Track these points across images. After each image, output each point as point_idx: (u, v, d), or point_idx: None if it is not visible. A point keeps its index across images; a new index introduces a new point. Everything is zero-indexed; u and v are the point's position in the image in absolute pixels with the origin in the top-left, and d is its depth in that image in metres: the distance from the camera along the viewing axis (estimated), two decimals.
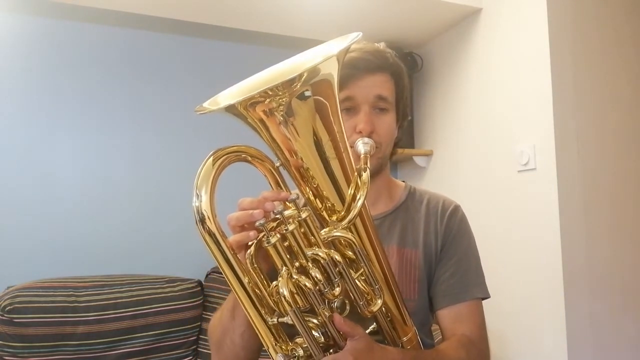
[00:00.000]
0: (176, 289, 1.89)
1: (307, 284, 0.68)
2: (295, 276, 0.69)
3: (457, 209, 1.06)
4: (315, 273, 0.69)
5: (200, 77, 2.23)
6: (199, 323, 1.90)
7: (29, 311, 1.65)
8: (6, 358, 1.64)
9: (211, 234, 0.67)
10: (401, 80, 0.98)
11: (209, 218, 0.67)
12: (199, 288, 1.94)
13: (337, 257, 0.71)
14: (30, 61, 1.98)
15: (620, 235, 1.86)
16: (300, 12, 2.06)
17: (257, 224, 0.68)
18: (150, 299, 1.82)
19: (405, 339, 0.84)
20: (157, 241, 2.11)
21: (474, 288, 0.99)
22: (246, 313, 0.71)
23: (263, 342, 0.72)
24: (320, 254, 0.70)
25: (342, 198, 0.75)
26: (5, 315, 1.63)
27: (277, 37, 2.29)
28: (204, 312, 1.91)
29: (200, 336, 1.91)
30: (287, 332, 0.73)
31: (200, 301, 1.91)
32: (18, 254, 1.89)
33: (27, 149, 1.95)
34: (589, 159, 1.81)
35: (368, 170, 0.76)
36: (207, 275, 2.03)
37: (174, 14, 2.06)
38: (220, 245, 0.68)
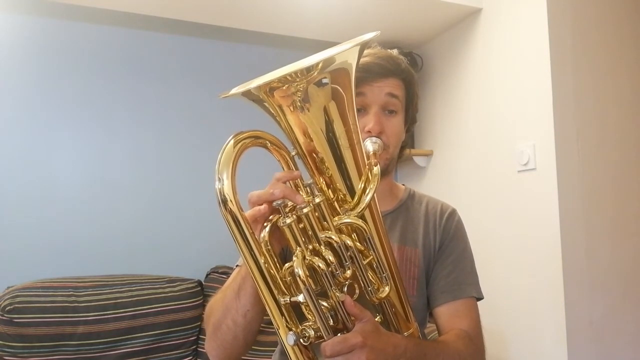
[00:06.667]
0: (176, 289, 1.89)
1: (320, 264, 0.70)
2: (308, 257, 0.71)
3: (454, 212, 1.09)
4: (328, 255, 0.72)
5: (200, 77, 2.23)
6: (199, 323, 1.90)
7: (29, 311, 1.65)
8: (6, 358, 1.64)
9: (233, 215, 0.70)
10: (412, 87, 1.02)
11: (231, 200, 0.69)
12: (199, 288, 1.95)
13: (349, 241, 0.74)
14: (30, 61, 1.98)
15: (621, 235, 1.85)
16: (300, 12, 2.05)
17: (274, 204, 0.71)
18: (150, 299, 1.82)
19: (406, 334, 0.85)
20: (157, 241, 2.11)
21: (470, 286, 1.03)
22: (260, 292, 0.73)
23: (274, 323, 0.73)
24: (333, 237, 0.72)
25: (353, 190, 0.77)
26: (5, 315, 1.64)
27: (277, 37, 2.29)
28: (204, 312, 1.91)
29: (200, 336, 1.91)
30: (297, 317, 0.75)
31: (200, 301, 1.91)
32: (18, 254, 1.90)
33: (27, 149, 1.95)
34: (589, 159, 1.81)
35: (379, 165, 0.79)
36: (207, 275, 2.03)
37: (174, 14, 2.06)
38: (241, 226, 0.70)
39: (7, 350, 1.64)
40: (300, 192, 0.74)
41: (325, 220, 0.74)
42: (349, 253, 0.73)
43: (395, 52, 1.03)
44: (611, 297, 1.80)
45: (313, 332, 0.72)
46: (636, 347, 1.83)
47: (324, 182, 0.77)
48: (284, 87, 0.69)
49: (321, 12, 2.05)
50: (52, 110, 2.00)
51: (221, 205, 0.69)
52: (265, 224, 0.75)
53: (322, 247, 0.73)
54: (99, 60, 2.08)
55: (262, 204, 0.75)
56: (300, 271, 0.69)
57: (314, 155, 0.75)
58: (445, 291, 1.00)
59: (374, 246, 0.78)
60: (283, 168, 0.79)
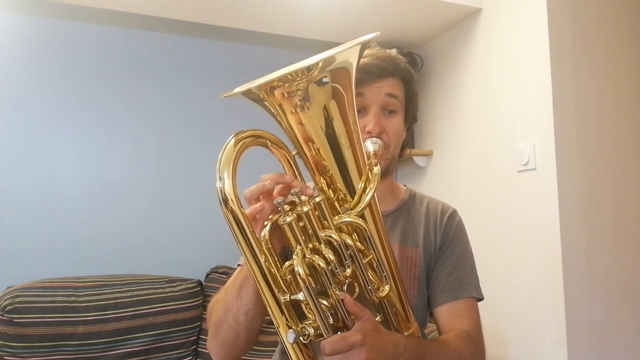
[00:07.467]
0: (176, 289, 1.89)
1: (320, 263, 0.71)
2: (309, 256, 0.71)
3: (455, 212, 1.09)
4: (328, 254, 0.72)
5: (200, 77, 2.23)
6: (199, 323, 1.90)
7: (29, 311, 1.65)
8: (6, 358, 1.64)
9: (234, 214, 0.70)
10: (411, 87, 1.02)
11: (231, 199, 0.70)
12: (199, 288, 1.95)
13: (349, 240, 0.74)
14: (30, 61, 1.98)
15: (621, 235, 1.86)
16: (300, 12, 2.06)
17: (274, 202, 0.71)
18: (150, 299, 1.82)
19: (406, 333, 0.85)
20: (157, 241, 2.11)
21: (470, 286, 1.03)
22: (260, 291, 0.74)
23: (274, 321, 0.74)
24: (333, 235, 0.73)
25: (353, 189, 0.78)
26: (5, 315, 1.63)
27: (277, 37, 2.29)
28: (204, 312, 1.91)
29: (200, 336, 1.91)
30: (297, 316, 0.75)
31: (200, 301, 1.91)
32: (18, 254, 1.89)
33: (27, 149, 1.95)
34: (589, 159, 1.81)
35: (379, 164, 0.79)
36: (207, 275, 2.03)
37: (174, 14, 2.06)
38: (242, 225, 0.71)
39: (7, 350, 1.64)
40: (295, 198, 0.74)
41: (325, 219, 0.74)
42: (348, 252, 0.74)
43: (394, 52, 1.03)
44: (611, 297, 1.80)
45: (313, 331, 0.72)
46: (636, 347, 1.83)
47: (324, 182, 0.77)
48: (284, 86, 0.69)
49: (321, 12, 2.05)
50: (52, 110, 2.00)
51: (222, 204, 0.70)
52: (265, 223, 0.75)
53: (322, 246, 0.73)
54: (99, 60, 2.08)
55: (257, 198, 0.75)
56: (300, 269, 0.70)
57: (315, 154, 0.76)
58: (446, 291, 1.01)
59: (374, 245, 0.78)
60: (284, 167, 0.79)
